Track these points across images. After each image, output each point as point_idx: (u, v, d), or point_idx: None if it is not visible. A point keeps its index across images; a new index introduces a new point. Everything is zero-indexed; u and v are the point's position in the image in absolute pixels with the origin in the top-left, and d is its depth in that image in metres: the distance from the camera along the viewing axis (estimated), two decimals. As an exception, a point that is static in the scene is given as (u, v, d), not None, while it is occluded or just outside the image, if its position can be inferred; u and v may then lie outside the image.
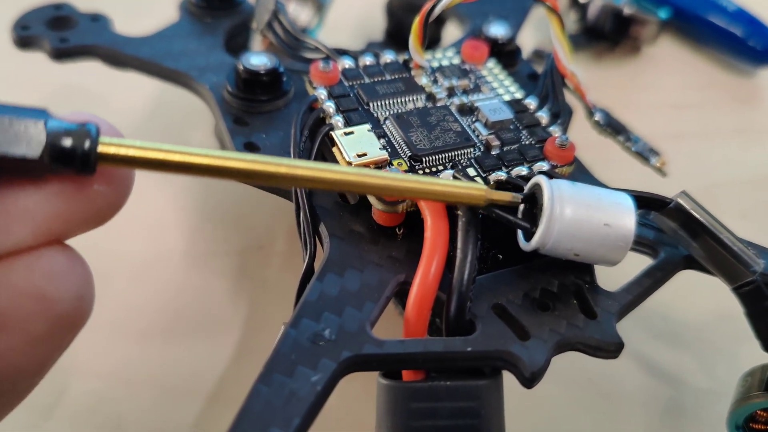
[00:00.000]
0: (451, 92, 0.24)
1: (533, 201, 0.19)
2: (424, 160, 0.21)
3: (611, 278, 0.20)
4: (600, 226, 0.18)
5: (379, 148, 0.21)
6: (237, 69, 0.24)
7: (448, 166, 0.21)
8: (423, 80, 0.24)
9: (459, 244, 0.18)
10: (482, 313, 0.19)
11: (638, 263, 0.21)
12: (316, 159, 0.21)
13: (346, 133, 0.21)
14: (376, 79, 0.24)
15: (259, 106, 0.24)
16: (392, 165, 0.21)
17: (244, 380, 0.16)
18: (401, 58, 0.25)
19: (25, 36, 0.27)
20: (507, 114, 0.23)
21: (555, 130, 0.23)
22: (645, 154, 0.25)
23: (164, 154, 0.15)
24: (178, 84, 0.26)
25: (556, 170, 0.22)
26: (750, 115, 0.37)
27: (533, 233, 0.18)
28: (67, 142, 0.14)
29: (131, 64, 0.26)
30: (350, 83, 0.24)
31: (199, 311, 0.26)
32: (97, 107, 0.33)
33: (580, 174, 0.23)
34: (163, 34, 0.27)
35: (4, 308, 0.14)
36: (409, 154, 0.21)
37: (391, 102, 0.23)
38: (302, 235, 0.20)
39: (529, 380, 0.18)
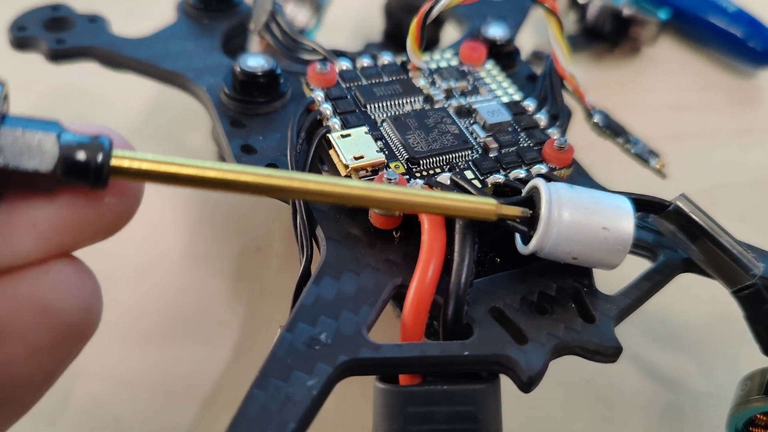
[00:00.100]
0: (449, 94, 0.24)
1: (531, 204, 0.19)
2: (421, 162, 0.21)
3: (610, 281, 0.20)
4: (598, 230, 0.18)
5: (376, 151, 0.21)
6: (234, 70, 0.23)
7: (446, 169, 0.21)
8: (421, 82, 0.24)
9: (456, 248, 0.18)
10: (480, 317, 0.18)
11: (637, 266, 0.21)
12: (313, 161, 0.21)
13: (343, 136, 0.21)
14: (373, 81, 0.24)
15: (256, 107, 0.23)
16: (389, 167, 0.21)
17: (242, 382, 0.16)
18: (399, 59, 0.25)
19: (21, 37, 0.27)
20: (505, 116, 0.23)
21: (553, 132, 0.23)
22: (644, 155, 0.25)
23: (177, 168, 0.15)
24: (175, 86, 0.26)
25: (555, 173, 0.21)
26: (750, 116, 0.37)
27: (531, 237, 0.18)
28: (81, 155, 0.14)
29: (128, 65, 0.26)
30: (347, 85, 0.24)
31: (198, 313, 0.26)
32: (93, 109, 0.33)
33: (579, 176, 0.23)
34: (161, 35, 0.27)
35: (10, 320, 0.14)
36: (407, 156, 0.21)
37: (388, 104, 0.23)
38: (299, 238, 0.20)
39: (526, 384, 0.17)
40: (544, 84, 0.24)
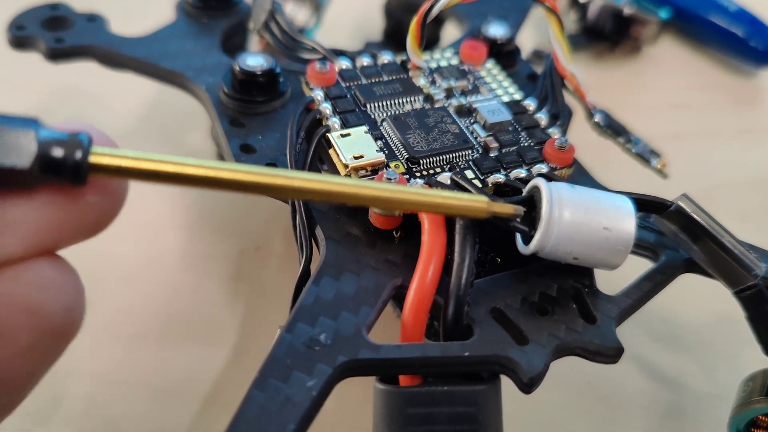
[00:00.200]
0: (449, 93, 0.24)
1: (532, 204, 0.19)
2: (421, 162, 0.21)
3: (611, 282, 0.20)
4: (599, 230, 0.18)
5: (376, 150, 0.21)
6: (233, 70, 0.23)
7: (446, 169, 0.21)
8: (421, 81, 0.24)
9: (457, 248, 0.18)
10: (480, 318, 0.18)
11: (638, 266, 0.21)
12: (312, 161, 0.21)
13: (342, 135, 0.21)
14: (373, 80, 0.24)
15: (256, 107, 0.23)
16: (389, 167, 0.21)
17: (241, 383, 0.16)
18: (399, 58, 0.25)
19: (20, 36, 0.26)
20: (506, 115, 0.23)
21: (554, 132, 0.23)
22: (645, 155, 0.25)
23: (158, 165, 0.14)
24: (174, 85, 0.26)
25: (555, 172, 0.21)
26: (751, 116, 0.37)
27: (532, 237, 0.18)
28: (58, 152, 0.14)
29: (127, 64, 0.26)
30: (347, 84, 0.23)
31: (196, 313, 0.26)
32: (92, 108, 0.33)
33: (580, 176, 0.23)
34: (160, 34, 0.27)
35: None
36: (407, 156, 0.21)
37: (388, 103, 0.23)
38: (298, 238, 0.20)
39: (527, 386, 0.17)
40: (544, 83, 0.24)
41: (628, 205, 0.19)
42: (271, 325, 0.18)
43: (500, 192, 0.21)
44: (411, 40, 0.23)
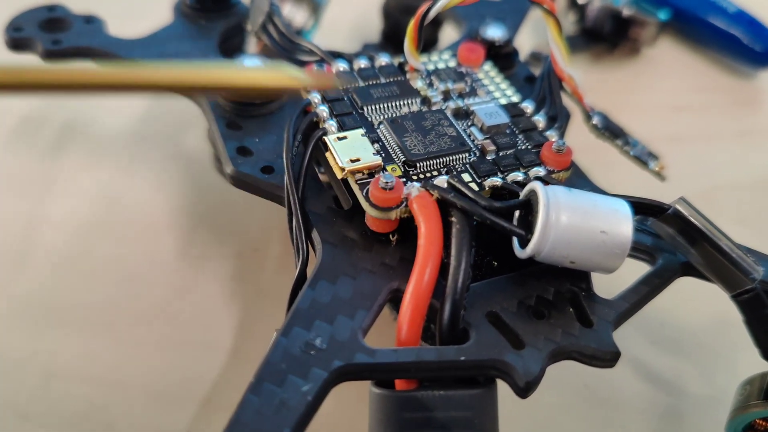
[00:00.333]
0: (446, 96, 0.24)
1: (529, 207, 0.19)
2: (418, 165, 0.21)
3: (608, 285, 0.20)
4: (596, 233, 0.18)
5: (373, 153, 0.21)
6: (230, 72, 0.23)
7: (443, 172, 0.21)
8: (418, 83, 0.24)
9: (453, 251, 0.18)
10: (476, 322, 0.18)
11: (636, 270, 0.21)
12: (309, 164, 0.21)
13: (339, 138, 0.21)
14: (370, 83, 0.24)
15: (253, 109, 0.23)
16: (386, 170, 0.21)
17: (238, 385, 0.16)
18: (396, 60, 0.25)
19: (17, 38, 0.27)
20: (503, 118, 0.23)
21: (552, 135, 0.23)
22: (643, 158, 0.25)
23: None
24: (172, 87, 0.26)
25: (553, 175, 0.21)
26: (750, 118, 0.37)
27: (528, 240, 0.18)
28: None
29: (124, 66, 0.26)
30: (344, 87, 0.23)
31: (193, 315, 0.26)
32: (89, 110, 0.33)
33: (578, 179, 0.23)
34: (157, 36, 0.27)
35: None
36: (404, 159, 0.21)
37: (385, 106, 0.23)
38: (295, 242, 0.20)
39: (523, 390, 0.17)
40: (542, 85, 0.24)
41: (625, 209, 0.19)
42: (269, 326, 0.18)
43: (497, 195, 0.21)
44: (408, 43, 0.23)
